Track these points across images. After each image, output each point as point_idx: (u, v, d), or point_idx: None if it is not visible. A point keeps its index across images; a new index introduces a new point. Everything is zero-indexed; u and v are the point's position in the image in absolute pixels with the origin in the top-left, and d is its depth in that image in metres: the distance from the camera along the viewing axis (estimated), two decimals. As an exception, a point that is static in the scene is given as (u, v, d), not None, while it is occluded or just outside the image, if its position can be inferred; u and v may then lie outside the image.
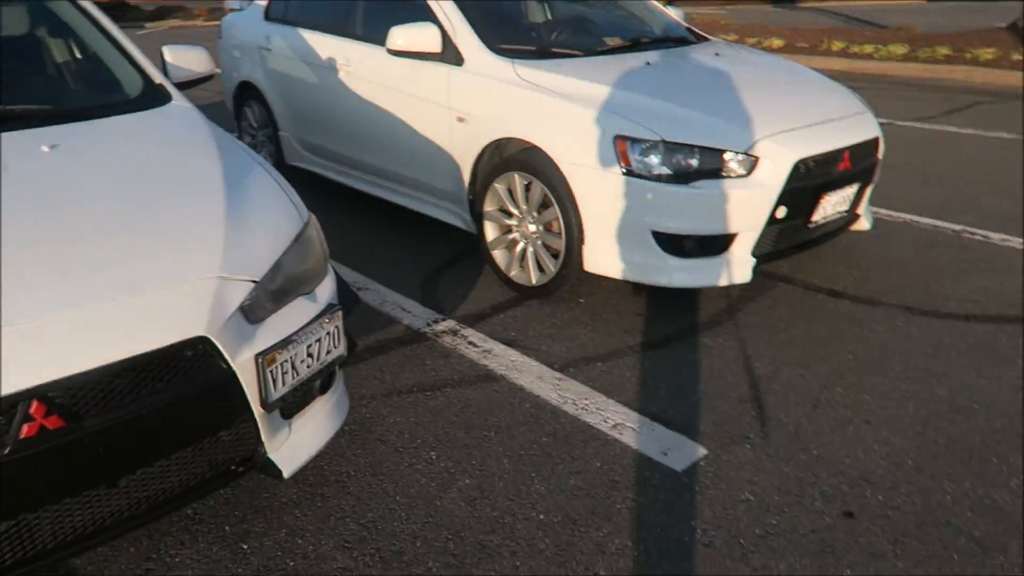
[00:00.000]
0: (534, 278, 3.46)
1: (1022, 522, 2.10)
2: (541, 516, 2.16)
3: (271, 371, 1.88)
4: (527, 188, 3.38)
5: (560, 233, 3.25)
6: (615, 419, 2.60)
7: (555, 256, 3.35)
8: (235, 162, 2.32)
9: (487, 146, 3.51)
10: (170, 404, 1.71)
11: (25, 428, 1.52)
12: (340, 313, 2.11)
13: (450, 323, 3.29)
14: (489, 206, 3.56)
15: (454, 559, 2.00)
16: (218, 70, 3.30)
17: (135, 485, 1.74)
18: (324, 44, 4.46)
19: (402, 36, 3.65)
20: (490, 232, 3.60)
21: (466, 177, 3.65)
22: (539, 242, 3.41)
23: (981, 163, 5.73)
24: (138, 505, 1.77)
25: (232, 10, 5.68)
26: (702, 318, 3.31)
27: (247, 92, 5.20)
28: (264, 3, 5.13)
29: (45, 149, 2.17)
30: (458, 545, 2.05)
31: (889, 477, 2.31)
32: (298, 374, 1.97)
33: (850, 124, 3.43)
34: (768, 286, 3.61)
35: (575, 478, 2.31)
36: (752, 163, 3.05)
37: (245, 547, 2.05)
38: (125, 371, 1.63)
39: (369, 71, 4.10)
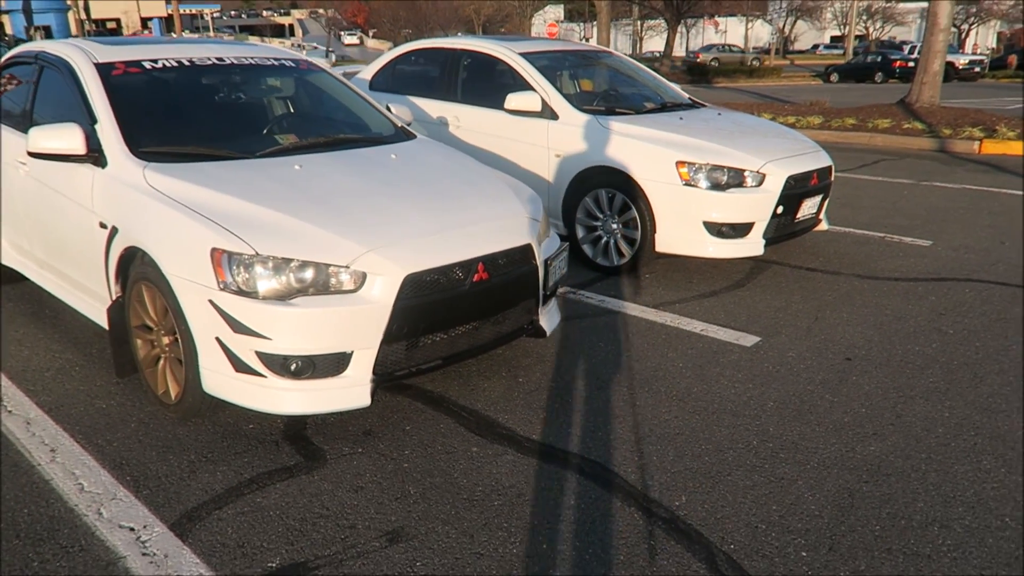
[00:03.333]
0: (616, 260, 5.13)
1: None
2: (680, 365, 3.76)
3: (549, 271, 3.45)
4: (611, 199, 5.08)
5: (637, 227, 4.95)
6: (700, 327, 4.25)
7: (631, 244, 5.04)
8: (486, 165, 3.92)
9: (579, 172, 5.20)
10: (512, 279, 3.26)
11: (475, 276, 3.06)
12: (568, 246, 3.70)
13: (564, 289, 4.89)
14: (579, 214, 5.23)
15: (642, 374, 3.57)
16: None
17: (494, 323, 3.27)
18: (431, 106, 6.10)
19: (515, 100, 5.35)
20: (579, 232, 5.27)
21: (562, 195, 5.31)
22: (619, 235, 5.10)
23: (888, 197, 7.77)
24: (491, 339, 3.29)
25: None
26: (729, 281, 5.02)
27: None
28: (367, 77, 6.74)
29: (393, 157, 3.73)
30: (642, 368, 3.63)
31: (865, 344, 4.01)
32: (555, 277, 3.55)
33: (814, 156, 5.29)
34: (766, 267, 5.36)
35: (692, 351, 3.93)
36: (761, 178, 4.83)
37: (520, 380, 3.57)
38: (503, 255, 3.19)
39: (478, 125, 5.77)
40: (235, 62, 4.20)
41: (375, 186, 3.36)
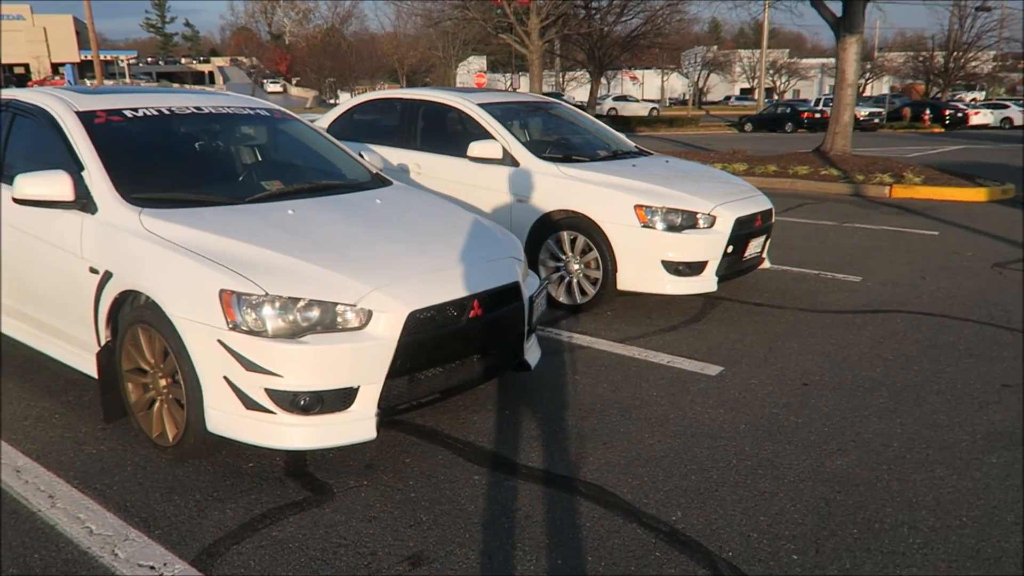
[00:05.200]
0: (579, 299, 5.37)
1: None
2: (653, 393, 3.99)
3: (533, 307, 3.65)
4: (573, 241, 5.34)
5: (599, 267, 5.22)
6: (666, 359, 4.50)
7: (592, 283, 5.31)
8: (467, 210, 4.12)
9: (541, 216, 5.46)
10: (503, 316, 3.44)
11: (471, 313, 3.23)
12: (547, 285, 3.92)
13: (535, 325, 5.09)
14: (542, 255, 5.48)
15: (620, 404, 3.79)
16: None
17: (485, 358, 3.44)
18: (391, 154, 6.28)
19: (478, 149, 5.59)
20: (542, 272, 5.50)
21: (524, 238, 5.55)
22: (581, 275, 5.36)
23: (815, 238, 8.34)
24: (482, 372, 3.46)
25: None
26: (686, 316, 5.33)
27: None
28: (324, 125, 6.88)
29: (378, 202, 3.89)
30: (618, 398, 3.84)
31: (817, 370, 4.34)
32: (537, 313, 3.75)
33: (756, 200, 5.70)
34: (718, 302, 5.71)
35: (663, 381, 4.18)
36: (712, 220, 5.19)
37: (506, 412, 3.73)
38: (495, 293, 3.37)
39: (439, 172, 5.98)
40: (213, 111, 4.30)
41: (368, 229, 3.51)
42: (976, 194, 11.41)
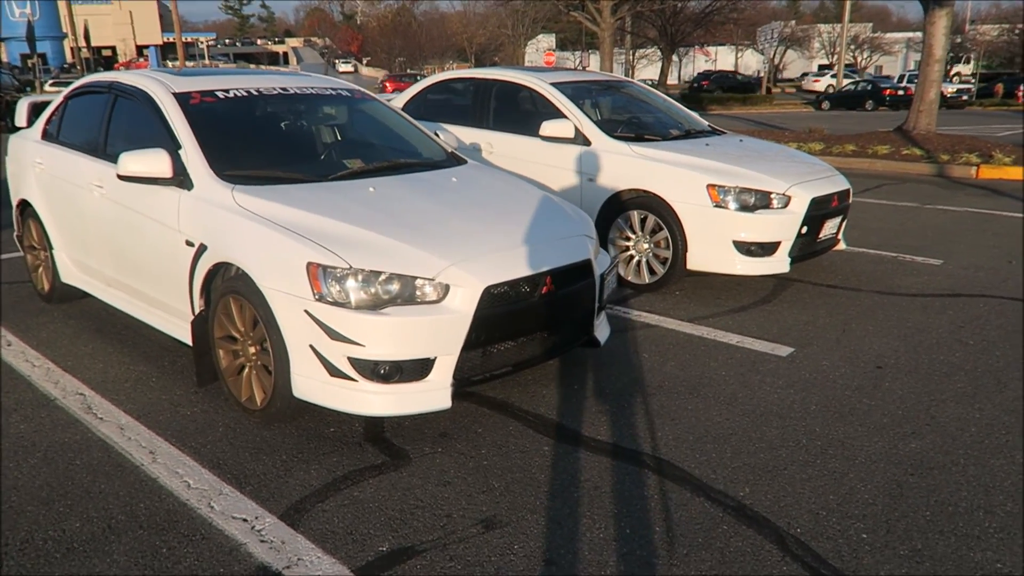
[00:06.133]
0: (648, 278, 5.40)
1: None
2: (723, 373, 4.01)
3: (604, 284, 3.71)
4: (643, 220, 5.36)
5: (669, 247, 5.23)
6: (736, 339, 4.50)
7: (662, 263, 5.32)
8: (539, 187, 4.19)
9: (612, 195, 5.48)
10: (574, 292, 3.51)
11: (543, 289, 3.31)
12: (618, 262, 3.96)
13: (604, 303, 5.14)
14: (612, 234, 5.51)
15: (688, 382, 3.82)
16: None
17: (556, 333, 3.52)
18: (464, 133, 6.37)
19: (550, 128, 5.64)
20: (611, 251, 5.53)
21: (594, 217, 5.59)
22: (650, 254, 5.38)
23: (894, 219, 8.10)
24: (553, 347, 3.54)
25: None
26: (757, 297, 5.29)
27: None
28: (399, 105, 7.03)
29: (454, 180, 3.99)
30: (687, 376, 3.87)
31: (892, 354, 4.27)
32: (607, 291, 3.80)
33: (833, 179, 5.59)
34: (789, 284, 5.64)
35: (732, 361, 4.18)
36: (786, 200, 5.13)
37: (575, 387, 3.81)
38: (567, 270, 3.44)
39: (511, 151, 6.05)
40: (298, 92, 4.47)
41: (445, 207, 3.62)
42: (1071, 175, 10.83)
